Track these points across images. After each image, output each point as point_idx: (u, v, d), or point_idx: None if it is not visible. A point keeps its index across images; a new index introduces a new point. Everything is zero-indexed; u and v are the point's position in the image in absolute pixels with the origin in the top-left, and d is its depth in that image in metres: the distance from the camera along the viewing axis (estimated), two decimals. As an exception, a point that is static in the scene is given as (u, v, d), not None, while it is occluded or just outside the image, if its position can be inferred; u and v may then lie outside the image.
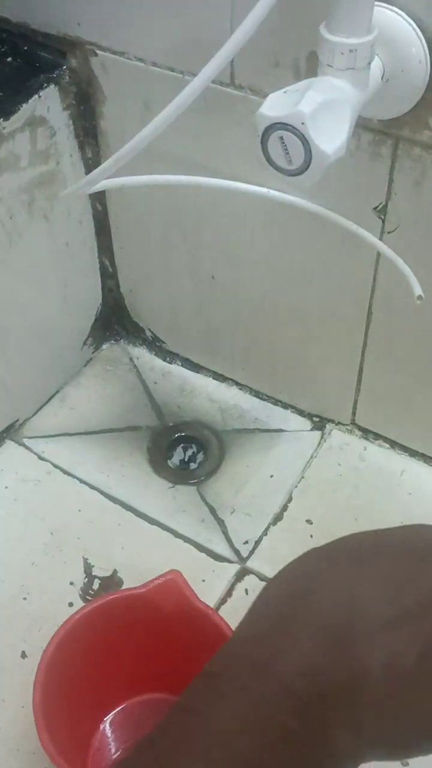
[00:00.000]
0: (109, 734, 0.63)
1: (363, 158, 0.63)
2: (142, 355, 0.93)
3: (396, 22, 0.53)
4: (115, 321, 0.93)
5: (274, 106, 0.49)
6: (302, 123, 0.48)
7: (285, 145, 0.49)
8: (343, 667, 0.29)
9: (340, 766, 0.29)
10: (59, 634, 0.58)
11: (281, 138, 0.49)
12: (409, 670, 0.29)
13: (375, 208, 0.65)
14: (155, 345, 0.93)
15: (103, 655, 0.61)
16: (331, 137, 0.49)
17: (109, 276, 0.89)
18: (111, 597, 0.61)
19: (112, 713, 0.64)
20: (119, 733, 0.63)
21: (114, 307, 0.92)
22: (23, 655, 0.68)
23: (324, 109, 0.49)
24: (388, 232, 0.66)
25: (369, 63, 0.51)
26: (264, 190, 0.67)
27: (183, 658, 0.61)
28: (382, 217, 0.65)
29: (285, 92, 0.50)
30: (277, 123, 0.49)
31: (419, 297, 0.61)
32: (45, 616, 0.70)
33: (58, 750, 0.53)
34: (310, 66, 0.59)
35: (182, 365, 0.91)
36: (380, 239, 0.66)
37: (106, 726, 0.64)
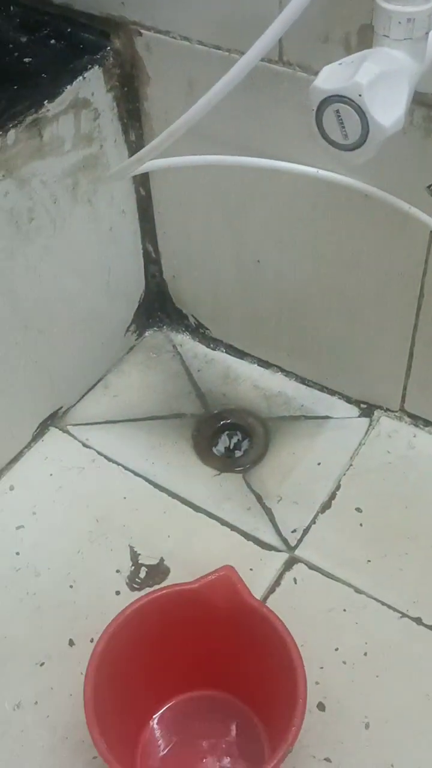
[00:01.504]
0: (157, 730, 0.62)
1: (416, 135, 0.61)
2: (185, 342, 0.92)
3: (454, -11, 0.51)
4: (158, 307, 0.92)
5: (329, 79, 0.48)
6: (359, 95, 0.46)
7: (341, 119, 0.48)
8: None
9: None
10: (110, 628, 0.57)
11: (337, 111, 0.48)
12: None
13: (428, 187, 0.63)
14: (198, 332, 0.91)
15: (153, 650, 0.60)
16: (389, 109, 0.47)
17: (152, 262, 0.88)
18: (163, 591, 0.60)
19: (162, 710, 0.63)
20: (167, 730, 0.62)
21: (157, 294, 0.91)
22: (71, 643, 0.67)
23: (381, 81, 0.47)
24: (442, 212, 0.64)
25: (427, 33, 0.49)
26: (313, 169, 0.66)
27: (233, 654, 0.60)
28: (436, 195, 0.63)
29: (340, 64, 0.49)
30: (333, 96, 0.47)
31: None
32: (92, 604, 0.69)
33: (109, 746, 0.52)
34: (361, 40, 0.58)
35: (226, 352, 0.90)
36: (433, 219, 0.64)
37: (155, 722, 0.63)
